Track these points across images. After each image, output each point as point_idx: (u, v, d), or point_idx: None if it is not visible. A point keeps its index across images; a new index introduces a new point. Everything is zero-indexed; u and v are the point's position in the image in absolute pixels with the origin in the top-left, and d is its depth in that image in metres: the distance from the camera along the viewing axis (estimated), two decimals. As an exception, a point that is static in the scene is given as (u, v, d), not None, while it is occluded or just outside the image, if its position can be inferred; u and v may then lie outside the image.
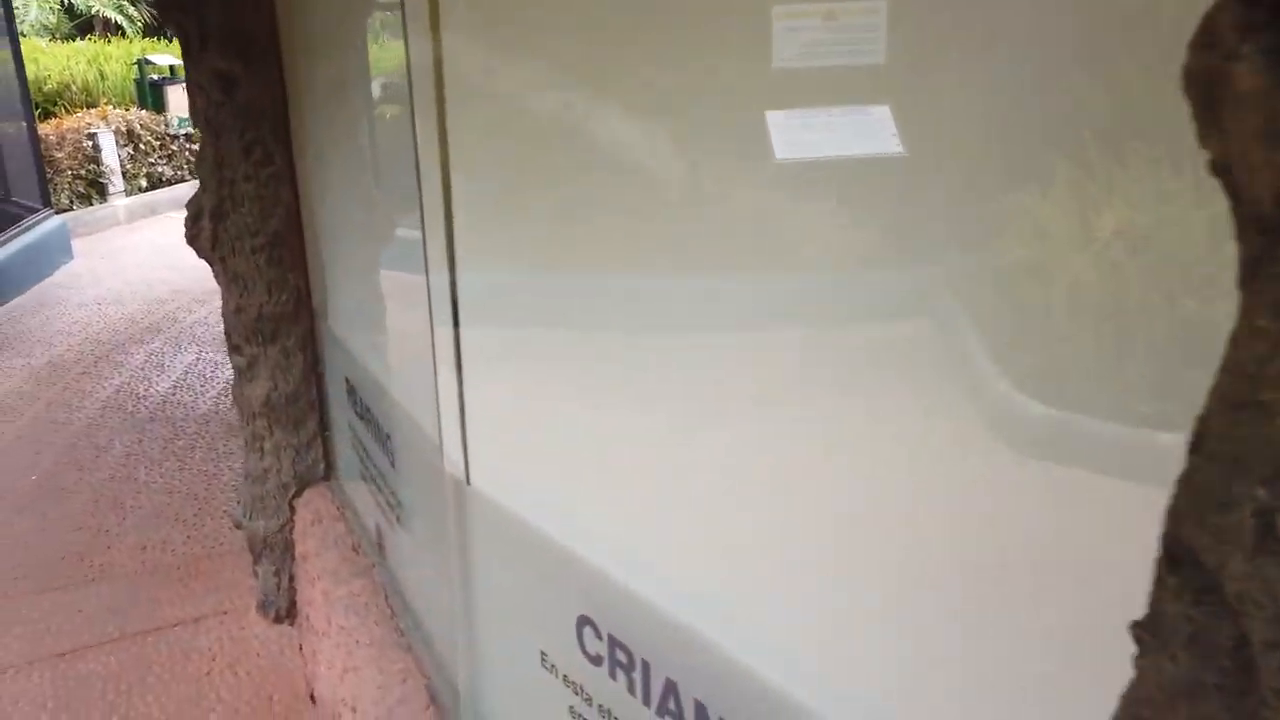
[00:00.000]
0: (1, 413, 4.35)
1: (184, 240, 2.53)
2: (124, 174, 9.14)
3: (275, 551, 2.74)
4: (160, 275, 6.89)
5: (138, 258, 7.52)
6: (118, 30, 19.82)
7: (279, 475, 2.67)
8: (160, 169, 9.74)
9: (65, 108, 9.44)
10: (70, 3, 18.74)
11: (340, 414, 2.56)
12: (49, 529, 3.34)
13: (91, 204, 8.75)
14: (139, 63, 9.97)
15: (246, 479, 2.74)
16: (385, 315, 1.98)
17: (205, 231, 2.46)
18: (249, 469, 2.72)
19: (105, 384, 4.72)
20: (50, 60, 10.15)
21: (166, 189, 9.77)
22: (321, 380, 2.68)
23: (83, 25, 17.31)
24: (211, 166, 2.41)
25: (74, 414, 4.35)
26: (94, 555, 3.17)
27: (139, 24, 20.77)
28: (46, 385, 4.69)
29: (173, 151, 9.95)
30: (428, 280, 1.38)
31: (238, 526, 2.79)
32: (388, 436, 1.97)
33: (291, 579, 2.74)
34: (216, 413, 4.35)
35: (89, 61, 10.28)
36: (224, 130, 2.38)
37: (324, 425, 2.71)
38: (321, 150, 2.29)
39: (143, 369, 4.93)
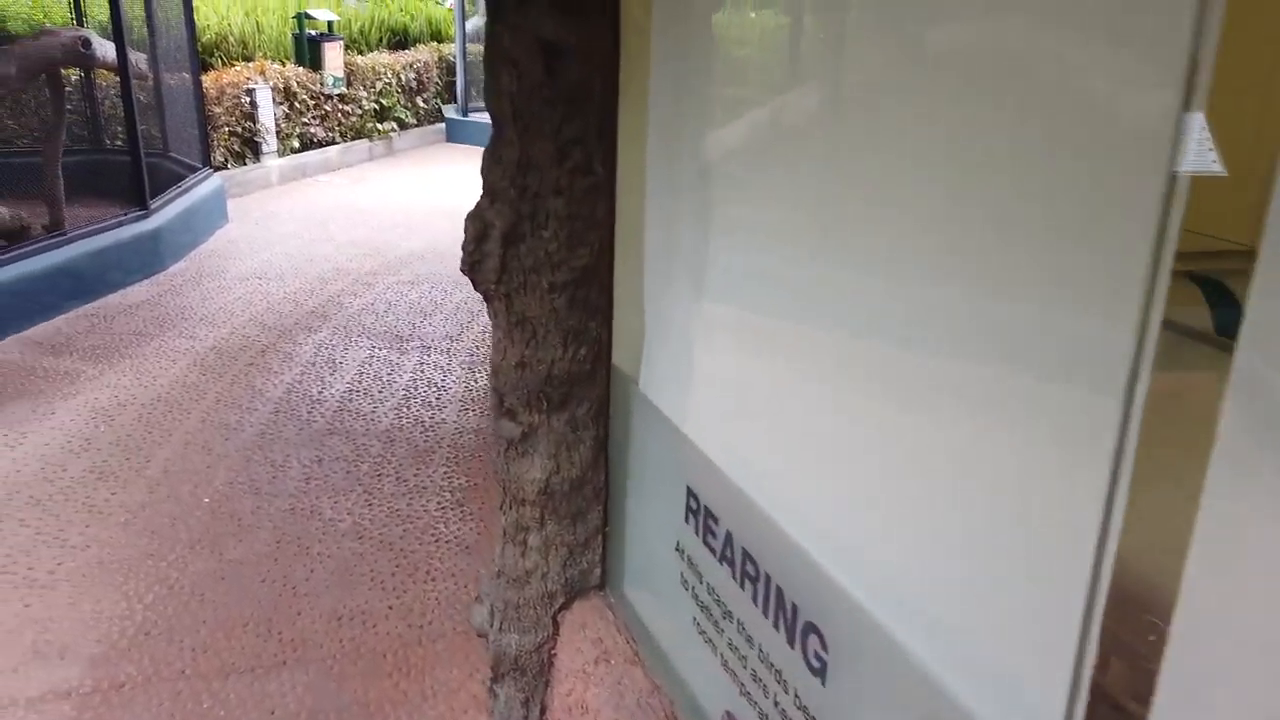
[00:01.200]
0: (168, 408, 3.87)
1: (462, 269, 1.86)
2: (277, 133, 8.77)
3: (527, 675, 2.09)
4: (320, 250, 6.41)
5: (293, 226, 7.09)
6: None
7: (544, 581, 2.02)
8: (313, 130, 9.35)
9: (222, 59, 9.11)
10: (221, -47, 18.85)
11: (641, 509, 1.88)
12: (228, 575, 2.79)
13: (245, 163, 8.39)
14: (298, 17, 9.57)
15: (498, 577, 2.09)
16: (784, 401, 1.28)
17: (491, 259, 1.79)
18: (503, 565, 2.07)
19: (275, 380, 4.20)
20: (206, 8, 9.86)
21: (318, 150, 9.39)
22: (608, 460, 2.01)
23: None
24: (511, 171, 1.74)
25: (245, 416, 3.83)
26: (282, 623, 2.59)
27: (285, -23, 20.86)
28: (214, 376, 4.20)
29: (326, 112, 9.55)
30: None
31: (480, 635, 2.16)
32: (793, 613, 1.28)
33: (544, 715, 2.10)
34: (399, 429, 3.78)
35: (246, 13, 9.95)
36: (535, 122, 1.70)
37: (606, 518, 2.04)
38: (669, 153, 1.60)
39: (313, 364, 4.41)
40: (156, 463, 3.43)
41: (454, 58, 12.51)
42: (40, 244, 4.84)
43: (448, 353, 4.63)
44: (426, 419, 3.90)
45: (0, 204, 5.22)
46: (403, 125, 10.99)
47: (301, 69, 9.22)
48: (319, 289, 5.54)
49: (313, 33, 9.54)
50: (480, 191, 1.86)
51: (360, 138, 10.17)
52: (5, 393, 3.93)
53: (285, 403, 3.98)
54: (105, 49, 5.35)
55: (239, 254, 6.23)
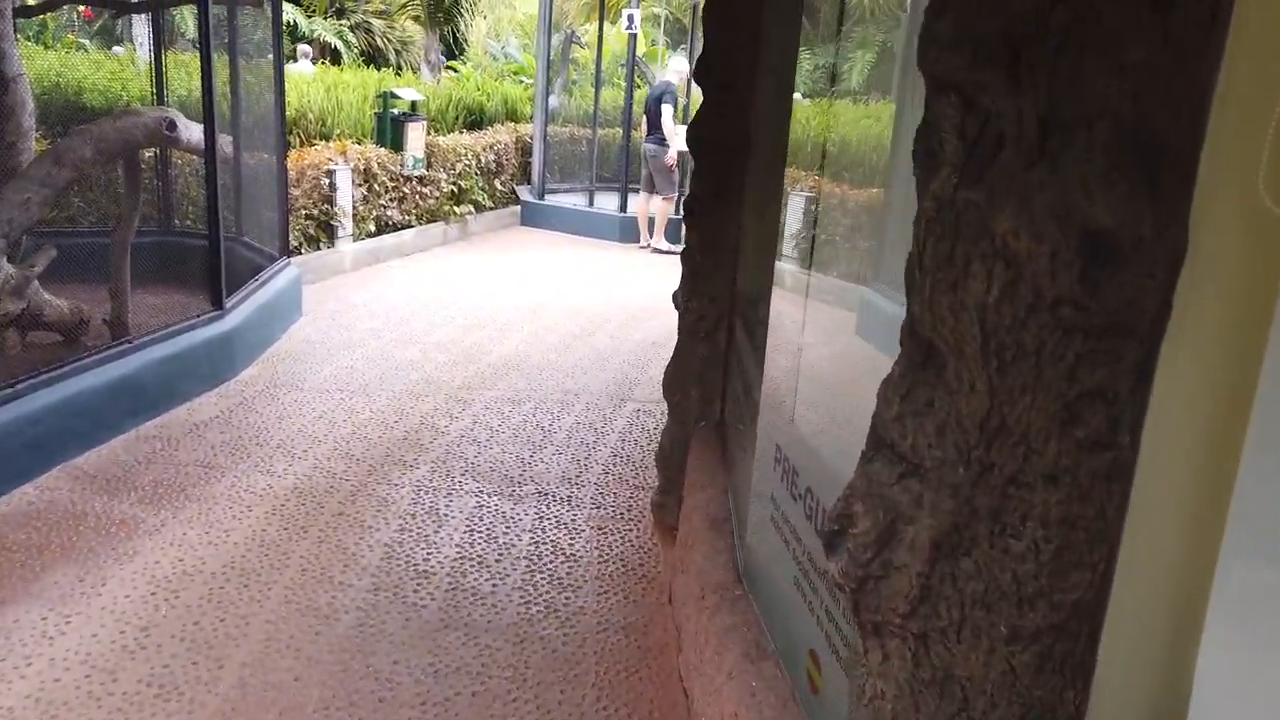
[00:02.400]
0: (244, 580, 3.12)
1: (840, 583, 1.10)
2: (354, 216, 8.22)
3: None
4: (405, 355, 5.72)
5: (372, 323, 6.44)
6: (334, 56, 19.87)
7: None
8: (390, 212, 8.81)
9: (300, 138, 8.65)
10: (293, 22, 18.82)
11: None
12: None
13: (319, 248, 7.83)
14: (383, 95, 9.13)
15: None
16: None
17: (903, 576, 1.02)
18: None
19: (370, 539, 3.44)
20: (286, 83, 9.47)
21: (393, 234, 8.83)
22: None
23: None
24: (963, 434, 0.98)
25: (337, 595, 3.07)
26: None
27: (355, 50, 20.86)
28: (297, 532, 3.46)
29: (404, 194, 9.02)
30: None
31: None
32: None
33: None
34: (529, 622, 2.99)
35: (327, 89, 9.55)
36: (1027, 360, 0.95)
37: None
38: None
39: (413, 516, 3.65)
40: (231, 670, 2.65)
41: (530, 139, 12.08)
42: (102, 354, 4.18)
43: (570, 503, 3.86)
44: (561, 605, 3.11)
45: (59, 293, 4.61)
46: (479, 208, 10.46)
47: (382, 150, 8.72)
48: (409, 408, 4.82)
49: (396, 112, 9.08)
50: (869, 444, 1.11)
51: (435, 220, 9.63)
52: (49, 550, 3.21)
53: (385, 574, 3.21)
54: (191, 131, 4.78)
55: (316, 357, 5.56)
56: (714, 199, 3.37)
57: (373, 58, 20.36)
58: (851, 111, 2.51)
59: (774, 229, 2.91)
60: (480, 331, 6.39)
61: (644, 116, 10.23)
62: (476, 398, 5.04)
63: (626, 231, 10.61)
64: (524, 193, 11.69)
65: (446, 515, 3.68)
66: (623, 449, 4.48)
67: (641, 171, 10.27)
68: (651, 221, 10.26)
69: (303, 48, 15.86)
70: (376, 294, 7.33)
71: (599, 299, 7.70)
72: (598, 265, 9.30)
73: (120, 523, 3.42)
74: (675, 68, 10.58)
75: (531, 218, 11.29)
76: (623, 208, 10.75)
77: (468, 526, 3.60)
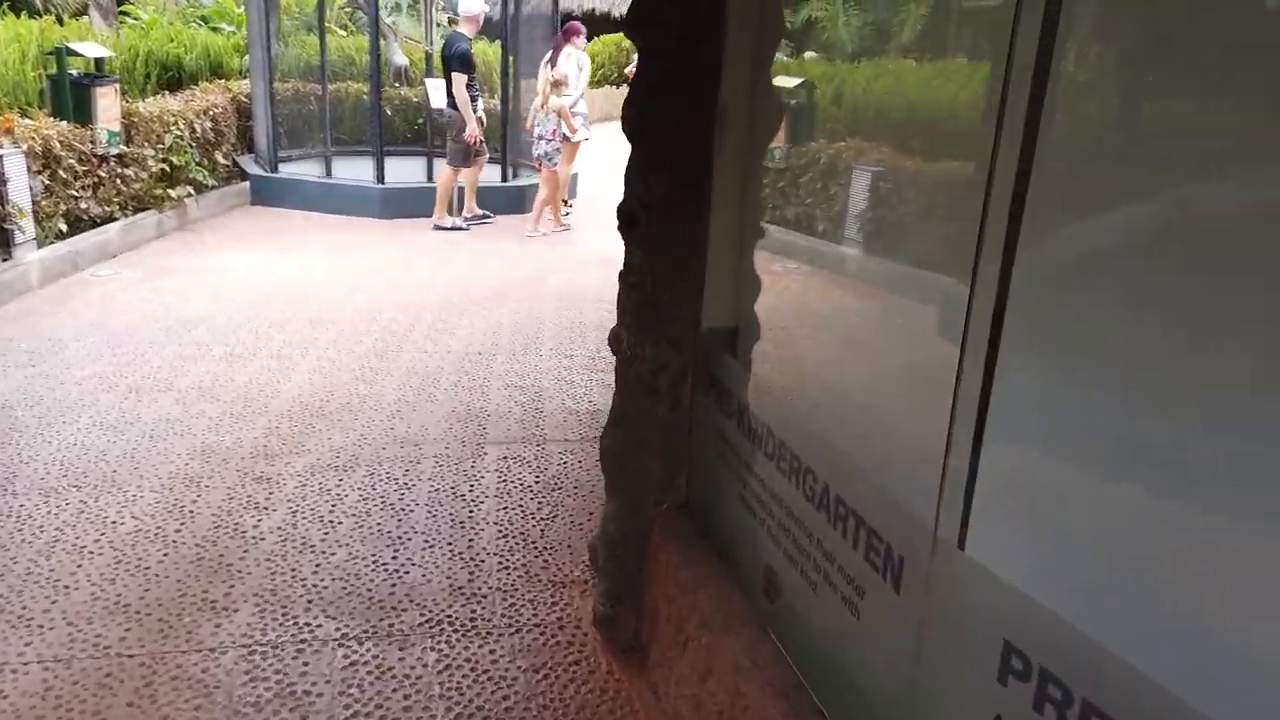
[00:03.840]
0: None
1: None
2: (35, 214, 6.22)
3: None
4: (153, 411, 4.18)
5: (93, 365, 4.75)
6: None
7: None
8: (85, 204, 6.81)
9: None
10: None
11: None
12: None
13: (-11, 262, 5.83)
14: (57, 52, 6.94)
15: None
16: None
17: None
18: None
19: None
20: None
21: (92, 232, 6.86)
22: None
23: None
24: None
25: None
26: None
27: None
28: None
29: (100, 179, 7.03)
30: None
31: None
32: None
33: None
34: None
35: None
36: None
37: None
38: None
39: (255, 706, 2.42)
40: None
41: (249, 99, 10.15)
42: None
43: (476, 631, 2.77)
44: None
45: None
46: (199, 188, 8.54)
47: (64, 123, 6.68)
48: (191, 503, 3.43)
49: (77, 73, 7.01)
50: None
51: (145, 209, 7.68)
52: None
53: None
54: None
55: (22, 434, 3.91)
56: (670, 205, 2.39)
57: (16, 3, 16.51)
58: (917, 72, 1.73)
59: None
60: (251, 363, 4.93)
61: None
62: (283, 470, 3.72)
63: (391, 205, 9.16)
64: (251, 165, 9.80)
65: (306, 699, 2.47)
66: (512, 523, 3.41)
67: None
68: (462, 192, 8.90)
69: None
70: (86, 319, 5.53)
71: (387, 296, 6.38)
72: (367, 251, 7.85)
73: None
74: (465, 8, 8.46)
75: (265, 195, 9.48)
76: (380, 178, 9.25)
77: (346, 709, 2.42)
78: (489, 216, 9.09)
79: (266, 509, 3.41)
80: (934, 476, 1.43)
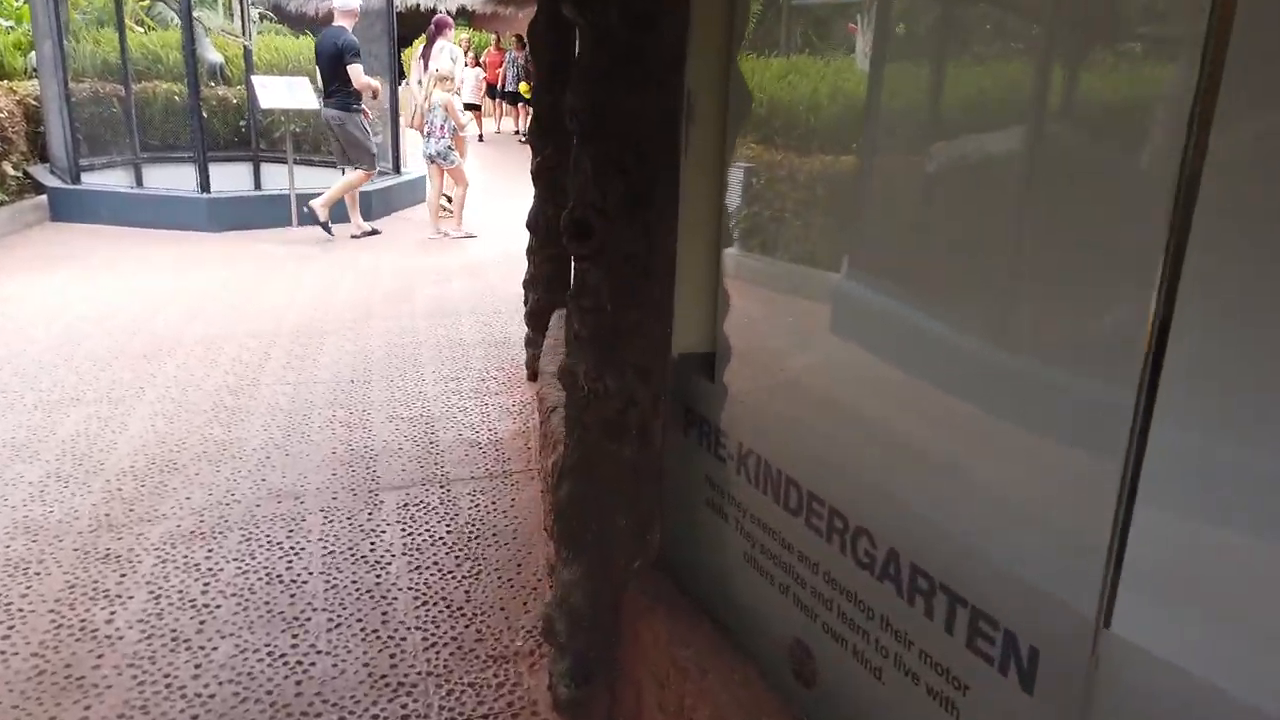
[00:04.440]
0: None
1: None
2: None
3: None
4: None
5: None
6: None
7: None
8: None
9: None
10: None
11: None
12: None
13: None
14: None
15: None
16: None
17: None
18: None
19: None
20: None
21: None
22: None
23: None
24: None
25: None
26: None
27: None
28: None
29: None
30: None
31: None
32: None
33: None
34: None
35: None
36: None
37: None
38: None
39: None
40: None
41: (38, 101, 8.96)
42: None
43: (410, 728, 2.31)
44: None
45: None
46: (-15, 205, 7.39)
47: None
48: (21, 602, 2.74)
49: None
50: None
51: (-82, 231, 6.53)
52: None
53: None
54: None
55: None
56: (629, 212, 2.01)
57: None
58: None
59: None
60: (75, 410, 4.16)
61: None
62: (135, 544, 3.07)
63: (220, 216, 8.26)
64: (47, 176, 8.61)
65: None
66: (429, 586, 2.93)
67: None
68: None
69: None
70: None
71: (233, 321, 5.63)
72: (200, 268, 6.99)
73: None
74: (342, 2, 8.09)
75: (68, 209, 8.33)
76: (204, 186, 8.31)
77: None
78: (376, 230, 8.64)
79: (119, 597, 2.78)
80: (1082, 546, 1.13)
